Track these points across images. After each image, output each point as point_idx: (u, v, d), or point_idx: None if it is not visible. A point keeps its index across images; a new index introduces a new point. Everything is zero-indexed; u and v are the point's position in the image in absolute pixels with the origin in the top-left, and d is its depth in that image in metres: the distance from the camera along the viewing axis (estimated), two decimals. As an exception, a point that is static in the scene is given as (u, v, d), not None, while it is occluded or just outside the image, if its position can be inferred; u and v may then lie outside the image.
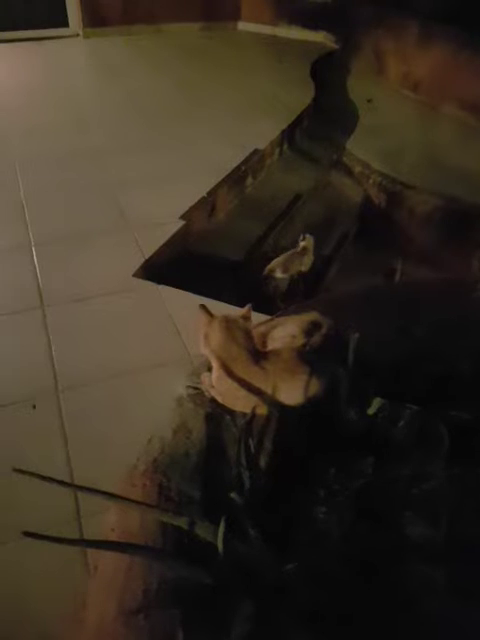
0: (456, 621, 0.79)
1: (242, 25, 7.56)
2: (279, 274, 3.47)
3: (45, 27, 7.09)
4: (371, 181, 4.64)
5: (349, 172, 4.92)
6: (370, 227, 4.50)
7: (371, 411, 1.04)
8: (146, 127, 4.61)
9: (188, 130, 4.58)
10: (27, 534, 0.82)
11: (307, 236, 3.58)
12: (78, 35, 7.22)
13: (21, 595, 1.50)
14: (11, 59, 6.43)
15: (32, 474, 0.89)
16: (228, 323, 1.41)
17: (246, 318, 1.45)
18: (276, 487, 1.10)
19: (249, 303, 1.52)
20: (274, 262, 3.51)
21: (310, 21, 7.23)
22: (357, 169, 4.83)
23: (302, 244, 3.56)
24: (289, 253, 3.56)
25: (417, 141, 5.08)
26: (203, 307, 1.52)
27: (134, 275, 2.89)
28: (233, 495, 0.94)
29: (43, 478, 0.92)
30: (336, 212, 4.50)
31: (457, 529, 0.87)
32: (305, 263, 3.57)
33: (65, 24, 7.22)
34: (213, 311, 1.65)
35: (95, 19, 7.05)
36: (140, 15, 7.04)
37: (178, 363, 2.35)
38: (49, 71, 6.12)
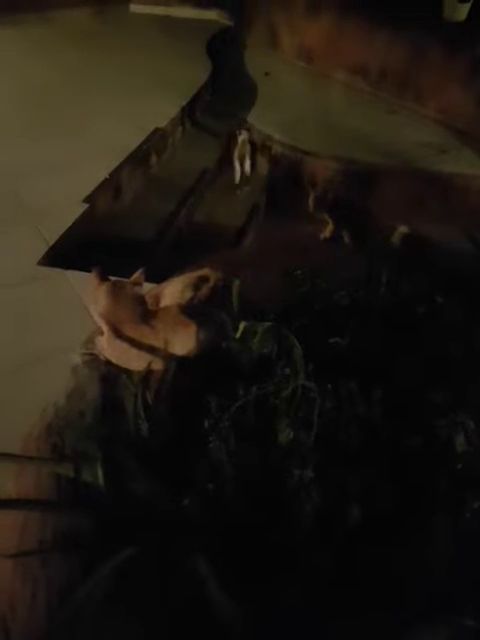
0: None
1: (134, 7, 7.40)
2: None
3: None
4: (273, 152, 4.72)
5: (253, 145, 4.98)
6: (278, 196, 4.59)
7: (237, 335, 1.10)
8: (42, 116, 4.47)
9: (85, 115, 4.48)
10: None
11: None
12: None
13: None
14: None
15: None
16: (115, 287, 1.43)
17: (136, 283, 1.47)
18: (177, 431, 1.14)
19: (141, 268, 1.54)
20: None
21: (201, -1, 7.20)
22: (260, 141, 4.89)
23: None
24: None
25: (314, 109, 5.20)
26: (96, 271, 1.52)
27: (39, 263, 2.83)
28: (103, 430, 0.97)
29: None
30: (244, 184, 4.59)
31: (328, 434, 0.94)
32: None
33: None
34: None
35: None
36: (24, 3, 6.62)
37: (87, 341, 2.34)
38: None
